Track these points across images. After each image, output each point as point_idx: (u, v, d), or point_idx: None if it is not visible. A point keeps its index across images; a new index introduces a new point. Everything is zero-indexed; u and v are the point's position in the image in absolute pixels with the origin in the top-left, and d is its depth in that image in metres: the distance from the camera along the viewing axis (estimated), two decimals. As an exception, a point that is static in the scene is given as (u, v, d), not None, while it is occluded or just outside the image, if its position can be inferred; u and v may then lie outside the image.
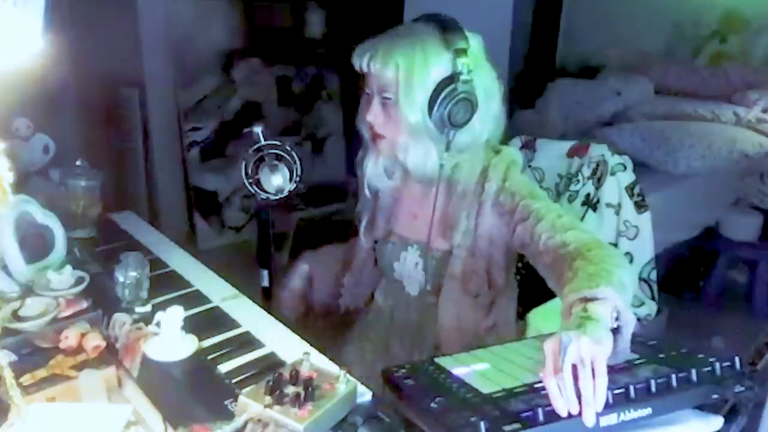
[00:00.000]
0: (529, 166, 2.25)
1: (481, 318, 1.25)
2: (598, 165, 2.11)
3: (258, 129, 1.20)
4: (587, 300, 0.81)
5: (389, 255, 1.31)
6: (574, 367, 0.71)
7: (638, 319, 2.34)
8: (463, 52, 1.11)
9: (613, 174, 2.09)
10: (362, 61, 1.14)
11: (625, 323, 0.82)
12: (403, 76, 1.11)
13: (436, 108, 1.11)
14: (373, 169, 1.25)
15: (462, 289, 1.22)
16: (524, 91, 3.66)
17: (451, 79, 1.11)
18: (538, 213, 1.08)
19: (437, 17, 1.16)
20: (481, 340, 1.25)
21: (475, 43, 1.15)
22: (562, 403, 0.69)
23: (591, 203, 2.13)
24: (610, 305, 0.80)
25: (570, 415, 0.69)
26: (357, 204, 1.36)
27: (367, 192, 1.29)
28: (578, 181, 2.14)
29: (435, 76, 1.11)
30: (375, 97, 1.16)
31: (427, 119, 1.13)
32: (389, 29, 1.18)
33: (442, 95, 1.11)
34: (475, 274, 1.21)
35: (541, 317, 1.29)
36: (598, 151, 2.11)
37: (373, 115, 1.16)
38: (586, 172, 2.13)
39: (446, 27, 1.13)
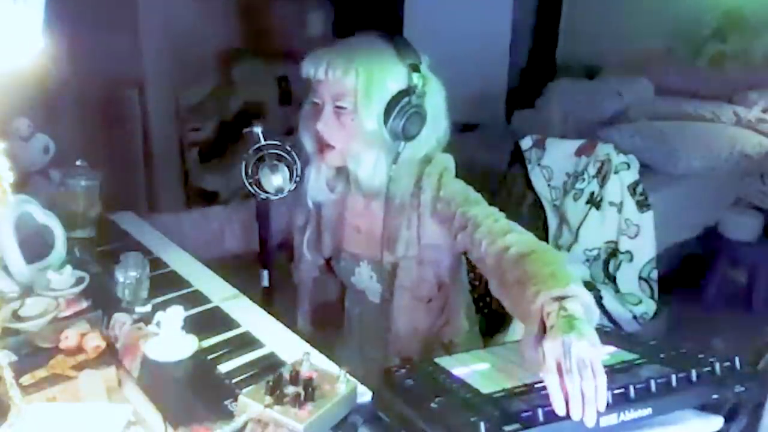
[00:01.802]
0: (539, 164, 2.26)
1: (434, 319, 1.26)
2: (603, 164, 2.12)
3: (258, 129, 1.20)
4: (560, 298, 0.83)
5: (344, 271, 1.33)
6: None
7: (634, 317, 2.37)
8: (416, 67, 1.14)
9: (616, 173, 2.10)
10: (318, 68, 1.14)
11: (592, 318, 0.84)
12: (363, 83, 1.12)
13: (391, 119, 1.13)
14: (315, 182, 1.25)
15: (414, 297, 1.23)
16: (524, 91, 3.66)
17: (407, 92, 1.14)
18: (475, 219, 1.09)
19: (385, 33, 1.18)
20: (436, 337, 1.27)
21: (424, 61, 1.17)
22: (562, 402, 0.70)
23: (594, 201, 2.14)
24: (580, 302, 0.83)
25: (569, 415, 0.69)
26: (296, 220, 1.35)
27: (309, 204, 1.28)
28: (584, 179, 2.15)
29: (391, 87, 1.13)
30: (327, 106, 1.16)
31: (383, 129, 1.14)
32: (340, 41, 1.19)
33: (398, 107, 1.13)
34: (425, 282, 1.22)
35: None
36: (604, 150, 2.12)
37: (323, 124, 1.16)
38: (592, 170, 2.14)
39: (399, 43, 1.16)
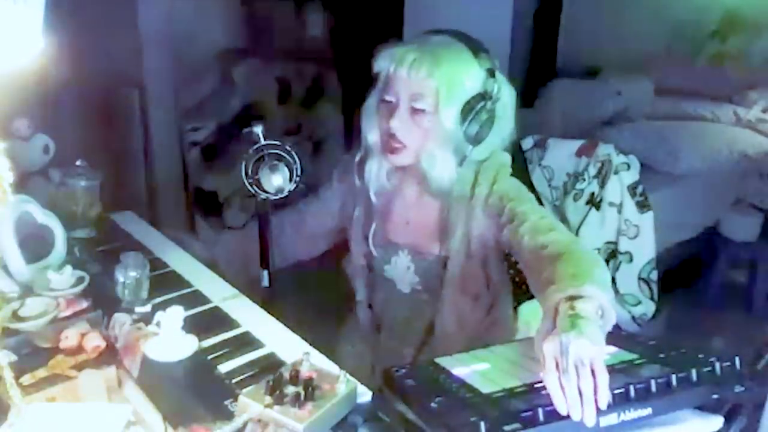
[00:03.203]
0: (540, 165, 2.25)
1: (482, 317, 1.26)
2: (603, 164, 2.11)
3: (258, 129, 1.20)
4: (573, 298, 0.82)
5: (380, 259, 1.31)
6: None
7: (633, 318, 2.37)
8: (492, 72, 1.14)
9: (616, 173, 2.10)
10: (399, 66, 1.12)
11: (608, 320, 0.83)
12: (446, 87, 1.11)
13: (467, 123, 1.13)
14: (377, 175, 1.23)
15: (462, 292, 1.22)
16: (524, 91, 3.66)
17: (482, 96, 1.13)
18: (522, 215, 1.09)
19: (461, 34, 1.17)
20: (483, 337, 1.26)
21: (498, 64, 1.17)
22: (563, 401, 0.70)
23: (595, 202, 2.13)
24: (595, 303, 0.82)
25: (569, 415, 0.69)
26: (351, 212, 1.34)
27: (373, 198, 1.26)
28: (584, 179, 2.15)
29: (469, 89, 1.13)
30: (402, 105, 1.14)
31: (459, 131, 1.13)
32: (415, 36, 1.17)
33: (474, 111, 1.13)
34: (472, 277, 1.21)
35: (532, 311, 1.30)
36: (604, 150, 2.11)
37: (399, 122, 1.14)
38: (592, 171, 2.13)
39: (475, 44, 1.15)
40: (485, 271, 1.22)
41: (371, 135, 1.21)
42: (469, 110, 1.13)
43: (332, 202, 1.36)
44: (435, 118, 1.13)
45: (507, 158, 1.24)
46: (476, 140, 1.15)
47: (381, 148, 1.20)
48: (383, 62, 1.15)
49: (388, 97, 1.16)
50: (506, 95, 1.19)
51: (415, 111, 1.13)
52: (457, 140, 1.15)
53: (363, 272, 1.35)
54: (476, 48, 1.15)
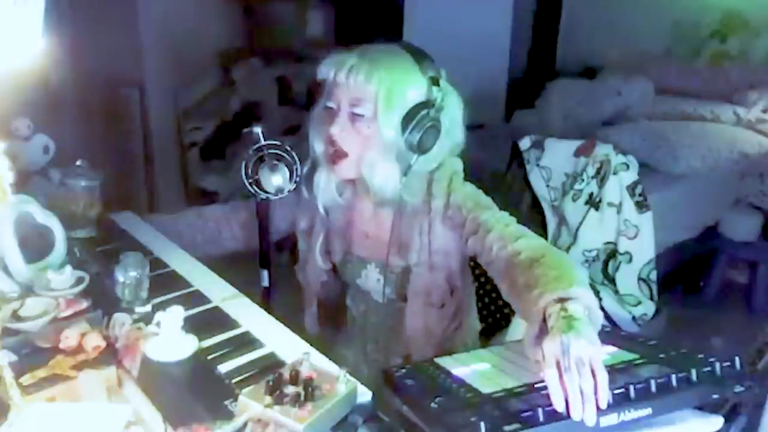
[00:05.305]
0: (537, 165, 2.25)
1: (448, 323, 1.26)
2: (602, 164, 2.11)
3: (258, 129, 1.20)
4: (563, 300, 0.83)
5: (350, 273, 1.32)
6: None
7: (633, 318, 2.36)
8: (436, 81, 1.13)
9: (615, 173, 2.10)
10: (338, 71, 1.11)
11: (595, 320, 0.84)
12: (385, 91, 1.10)
13: (408, 131, 1.11)
14: (326, 187, 1.23)
15: (426, 302, 1.22)
16: (524, 91, 3.66)
17: (425, 104, 1.12)
18: (486, 224, 1.09)
19: (407, 44, 1.17)
20: (449, 340, 1.27)
21: (444, 74, 1.16)
22: (562, 400, 0.70)
23: (594, 202, 2.13)
24: (583, 303, 0.83)
25: (569, 415, 0.69)
26: (300, 223, 1.34)
27: (321, 210, 1.26)
28: (583, 180, 2.15)
29: (411, 97, 1.12)
30: (343, 111, 1.13)
31: (400, 139, 1.12)
32: (359, 46, 1.16)
33: (416, 119, 1.11)
34: (436, 288, 1.21)
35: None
36: (603, 150, 2.11)
37: (338, 128, 1.13)
38: (591, 171, 2.14)
39: (419, 54, 1.15)
40: (449, 281, 1.22)
41: (317, 145, 1.21)
42: (410, 118, 1.11)
43: (285, 209, 1.34)
44: (374, 124, 1.12)
45: (459, 165, 1.22)
46: (420, 149, 1.13)
47: (325, 159, 1.20)
48: (325, 70, 1.14)
49: (329, 104, 1.16)
50: (452, 104, 1.17)
51: (354, 117, 1.13)
52: (398, 149, 1.13)
53: (319, 286, 1.35)
54: (420, 56, 1.14)
